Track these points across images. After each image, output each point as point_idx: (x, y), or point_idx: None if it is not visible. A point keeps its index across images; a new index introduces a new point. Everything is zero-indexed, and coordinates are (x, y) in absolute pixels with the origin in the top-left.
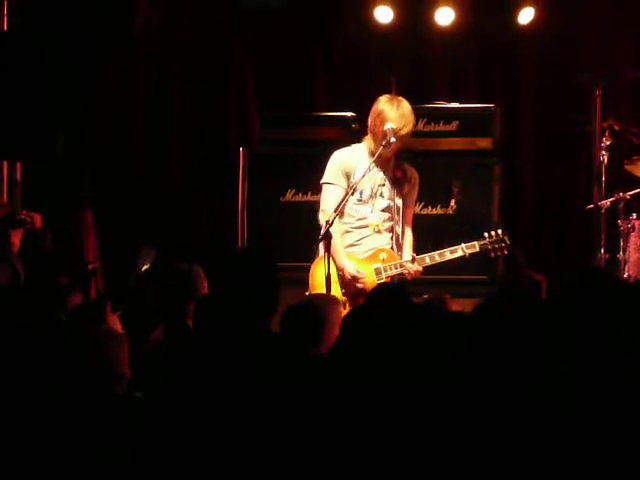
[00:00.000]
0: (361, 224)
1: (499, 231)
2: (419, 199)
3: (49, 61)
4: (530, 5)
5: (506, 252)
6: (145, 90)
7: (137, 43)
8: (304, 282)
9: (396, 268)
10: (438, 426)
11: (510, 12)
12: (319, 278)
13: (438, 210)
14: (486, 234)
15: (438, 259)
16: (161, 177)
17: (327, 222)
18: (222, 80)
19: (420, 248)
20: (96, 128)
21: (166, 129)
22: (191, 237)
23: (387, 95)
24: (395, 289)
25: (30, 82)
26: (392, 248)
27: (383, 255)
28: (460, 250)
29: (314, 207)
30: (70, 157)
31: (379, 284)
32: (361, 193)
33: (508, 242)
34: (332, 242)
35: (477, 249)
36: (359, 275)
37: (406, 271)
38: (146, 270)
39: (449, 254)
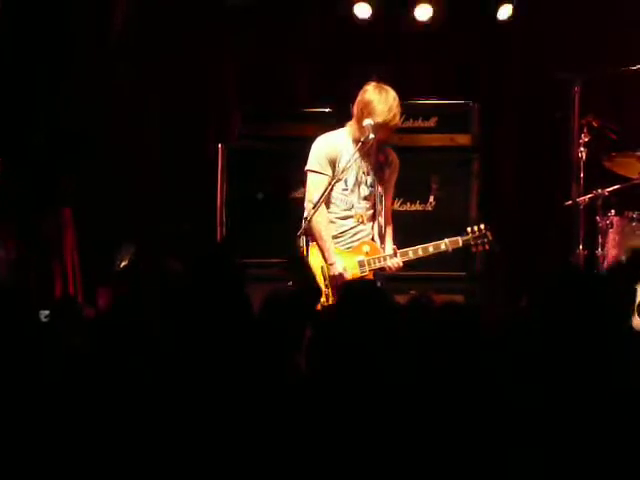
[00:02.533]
0: (346, 214)
1: (481, 226)
2: (398, 195)
3: (26, 59)
4: (509, 1)
5: (488, 247)
6: (125, 86)
7: (117, 40)
8: (277, 278)
9: (379, 262)
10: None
11: (489, 8)
12: (314, 267)
13: (417, 206)
14: (469, 229)
15: (421, 253)
16: (140, 173)
17: (305, 218)
18: (202, 76)
19: (399, 243)
20: (76, 125)
21: (146, 125)
22: (170, 233)
23: (374, 84)
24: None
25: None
26: (373, 239)
27: (366, 248)
28: (443, 245)
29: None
30: (49, 154)
31: (348, 284)
32: (346, 182)
33: (490, 237)
34: (320, 235)
35: (460, 244)
36: (346, 275)
37: (386, 265)
38: (125, 266)
39: (432, 249)
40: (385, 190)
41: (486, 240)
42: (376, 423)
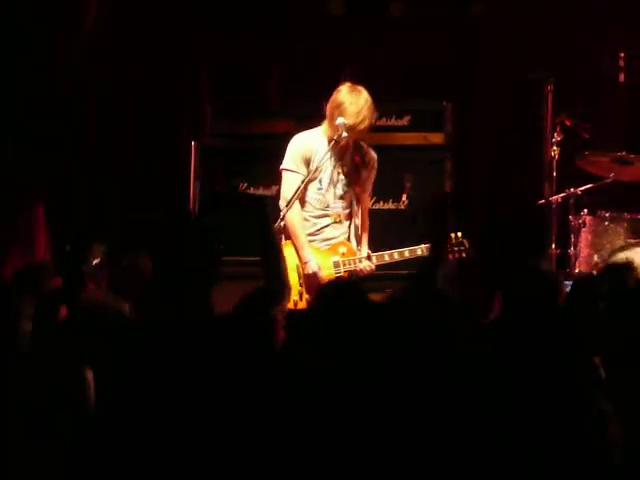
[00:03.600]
0: (322, 213)
1: (459, 234)
2: (371, 194)
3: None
4: (481, 0)
5: (464, 255)
6: (98, 85)
7: (89, 38)
8: (257, 276)
9: (354, 263)
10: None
11: (463, 7)
12: (289, 264)
13: (390, 205)
14: None
15: (397, 257)
16: (113, 171)
17: (279, 217)
18: (174, 73)
19: (373, 242)
20: (49, 124)
21: (118, 123)
22: (143, 230)
23: (348, 85)
24: (346, 287)
25: None
26: (349, 238)
27: (343, 249)
28: (419, 250)
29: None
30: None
31: (326, 285)
32: (321, 181)
33: (467, 245)
34: (295, 234)
35: None
36: (320, 274)
37: (359, 267)
38: (97, 264)
39: (408, 253)
40: (362, 190)
41: (462, 248)
42: (352, 424)
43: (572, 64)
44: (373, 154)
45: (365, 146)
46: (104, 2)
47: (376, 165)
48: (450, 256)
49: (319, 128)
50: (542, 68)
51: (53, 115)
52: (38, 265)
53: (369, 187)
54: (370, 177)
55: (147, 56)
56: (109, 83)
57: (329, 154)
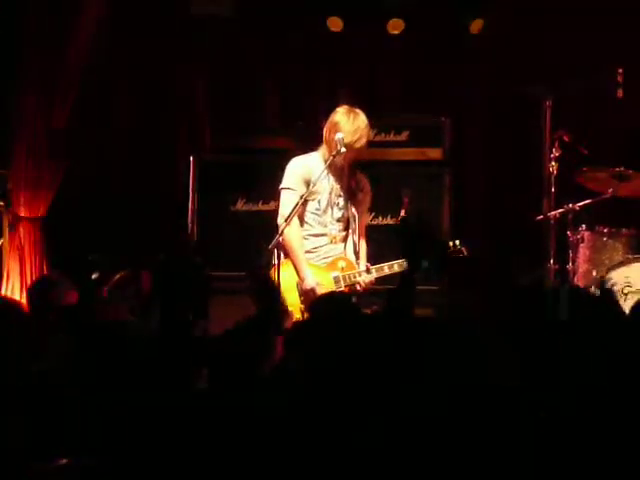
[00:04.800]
0: (319, 232)
1: (456, 242)
2: (370, 209)
3: None
4: (480, 17)
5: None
6: (96, 100)
7: (87, 52)
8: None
9: (354, 277)
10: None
11: (461, 23)
12: (286, 284)
13: (388, 220)
14: None
15: (397, 269)
16: (112, 186)
17: (278, 233)
18: (173, 89)
19: (372, 257)
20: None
21: (117, 138)
22: (142, 246)
23: (345, 107)
24: (338, 302)
25: None
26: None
27: (342, 264)
28: (397, 266)
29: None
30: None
31: (318, 298)
32: (319, 202)
33: (465, 253)
34: (293, 250)
35: None
36: (318, 289)
37: (359, 281)
38: (95, 279)
39: (397, 267)
40: (359, 214)
41: (461, 256)
42: (346, 435)
43: (571, 80)
44: (367, 182)
45: (359, 173)
46: (101, 14)
47: (370, 192)
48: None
49: (317, 152)
50: (540, 83)
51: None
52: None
53: (365, 212)
54: (365, 201)
55: (145, 71)
56: (106, 98)
57: (326, 172)
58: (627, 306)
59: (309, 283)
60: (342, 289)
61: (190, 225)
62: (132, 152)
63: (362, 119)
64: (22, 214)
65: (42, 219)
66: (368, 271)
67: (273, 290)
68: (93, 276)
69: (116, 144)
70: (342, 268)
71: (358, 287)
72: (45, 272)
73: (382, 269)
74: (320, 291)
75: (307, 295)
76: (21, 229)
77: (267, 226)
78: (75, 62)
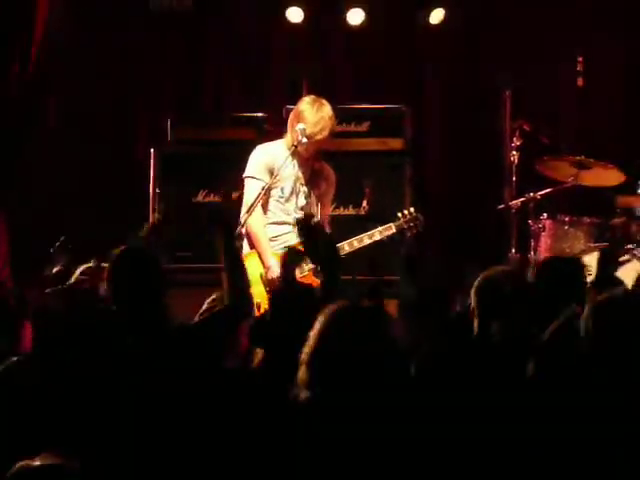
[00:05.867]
0: (282, 220)
1: (411, 209)
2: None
3: None
4: (440, 5)
5: (421, 230)
6: (55, 92)
7: (45, 45)
8: (217, 284)
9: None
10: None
11: (421, 12)
12: (253, 275)
13: (350, 210)
14: (399, 214)
15: (357, 245)
16: (72, 179)
17: (240, 224)
18: (132, 81)
19: None
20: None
21: (77, 130)
22: (102, 239)
23: (312, 97)
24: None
25: None
26: None
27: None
28: (377, 233)
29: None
30: None
31: (277, 290)
32: (282, 190)
33: (421, 219)
34: (257, 238)
35: (394, 230)
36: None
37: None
38: (57, 273)
39: (367, 239)
40: (322, 204)
41: (418, 222)
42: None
43: (531, 68)
44: (332, 172)
45: (325, 164)
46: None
47: (335, 183)
48: (408, 233)
49: (281, 140)
50: (500, 73)
51: (8, 122)
52: None
53: (328, 203)
54: (329, 192)
55: (104, 63)
56: (65, 90)
57: (289, 160)
58: None
59: (274, 272)
60: (306, 274)
61: (150, 218)
62: (93, 145)
63: (327, 110)
64: None
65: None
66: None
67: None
68: (55, 269)
69: (77, 137)
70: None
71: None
72: (7, 265)
73: (343, 247)
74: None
75: (272, 284)
76: None
77: (229, 217)
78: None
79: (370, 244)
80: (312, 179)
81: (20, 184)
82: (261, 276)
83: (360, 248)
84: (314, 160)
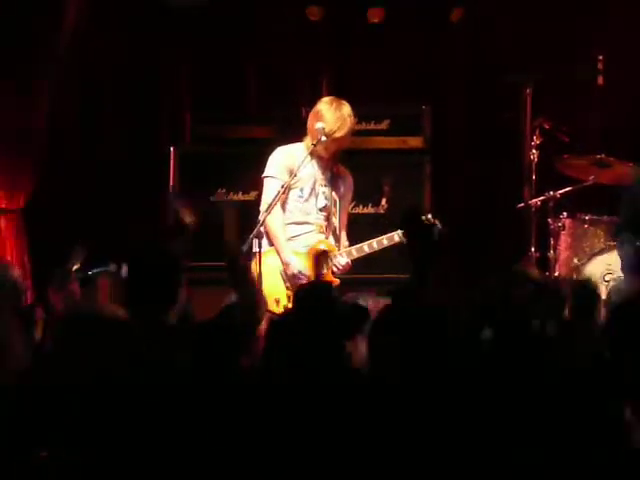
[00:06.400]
0: (301, 220)
1: (429, 216)
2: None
3: None
4: (460, 3)
5: (436, 238)
6: (77, 90)
7: (68, 43)
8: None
9: (331, 260)
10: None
11: (440, 10)
12: (271, 272)
13: (369, 209)
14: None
15: (367, 250)
16: (92, 177)
17: (258, 221)
18: (153, 79)
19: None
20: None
21: (97, 128)
22: (123, 237)
23: (330, 97)
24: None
25: None
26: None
27: (323, 246)
28: (396, 236)
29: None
30: None
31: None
32: (302, 190)
33: (440, 226)
34: (276, 235)
35: (402, 239)
36: (300, 276)
37: (334, 264)
38: (76, 270)
39: (376, 244)
40: (341, 207)
41: (435, 228)
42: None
43: (551, 66)
44: (350, 176)
45: (343, 168)
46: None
47: (352, 187)
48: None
49: (300, 143)
50: (521, 71)
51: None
52: None
53: (347, 206)
54: (347, 195)
55: (126, 61)
56: (88, 87)
57: (309, 160)
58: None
59: (293, 267)
60: (325, 272)
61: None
62: (113, 142)
63: (346, 109)
64: (2, 206)
65: (21, 210)
66: (341, 255)
67: (250, 280)
68: (74, 267)
69: (97, 135)
70: (323, 250)
71: (335, 269)
72: (26, 264)
73: (350, 252)
74: (307, 274)
75: (293, 280)
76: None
77: (248, 216)
78: (54, 61)
79: (380, 249)
80: (332, 181)
81: (40, 182)
82: (280, 272)
83: (371, 253)
84: (334, 162)
